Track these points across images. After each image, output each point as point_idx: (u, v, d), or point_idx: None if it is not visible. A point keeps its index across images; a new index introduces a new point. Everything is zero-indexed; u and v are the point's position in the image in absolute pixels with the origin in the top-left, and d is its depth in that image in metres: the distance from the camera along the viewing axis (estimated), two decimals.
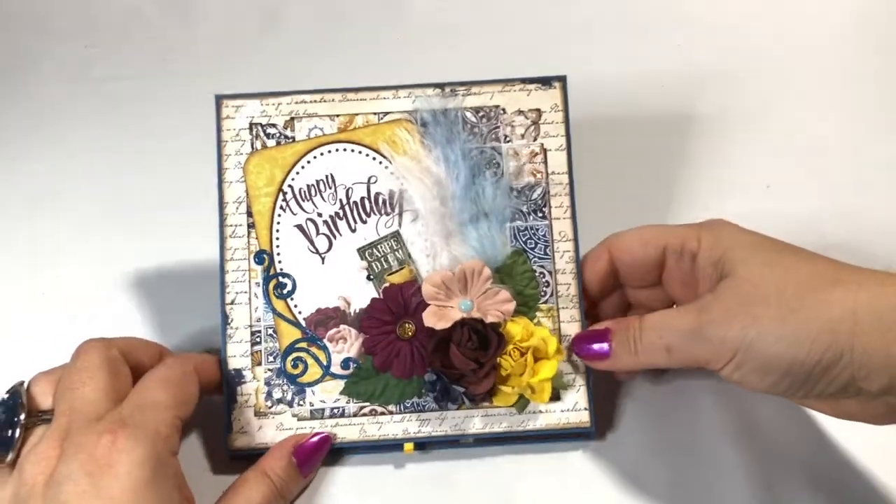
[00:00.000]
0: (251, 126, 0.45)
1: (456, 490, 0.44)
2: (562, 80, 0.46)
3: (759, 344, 0.35)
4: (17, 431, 0.36)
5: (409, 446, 0.43)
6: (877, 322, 0.34)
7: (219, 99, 0.46)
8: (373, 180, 0.45)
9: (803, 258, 0.38)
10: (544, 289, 0.45)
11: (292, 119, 0.46)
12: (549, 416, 0.44)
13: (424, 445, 0.44)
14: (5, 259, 0.52)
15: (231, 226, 0.45)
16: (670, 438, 0.46)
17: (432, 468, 0.45)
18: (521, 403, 0.43)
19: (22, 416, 0.37)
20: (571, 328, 0.44)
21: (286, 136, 0.45)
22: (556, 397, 0.44)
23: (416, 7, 0.62)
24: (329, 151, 0.45)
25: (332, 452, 0.44)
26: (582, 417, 0.44)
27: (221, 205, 0.45)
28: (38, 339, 0.49)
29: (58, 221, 0.53)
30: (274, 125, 0.45)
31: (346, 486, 0.44)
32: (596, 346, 0.41)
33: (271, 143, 0.45)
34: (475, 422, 0.43)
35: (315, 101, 0.46)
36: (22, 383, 0.38)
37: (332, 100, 0.46)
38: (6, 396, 0.38)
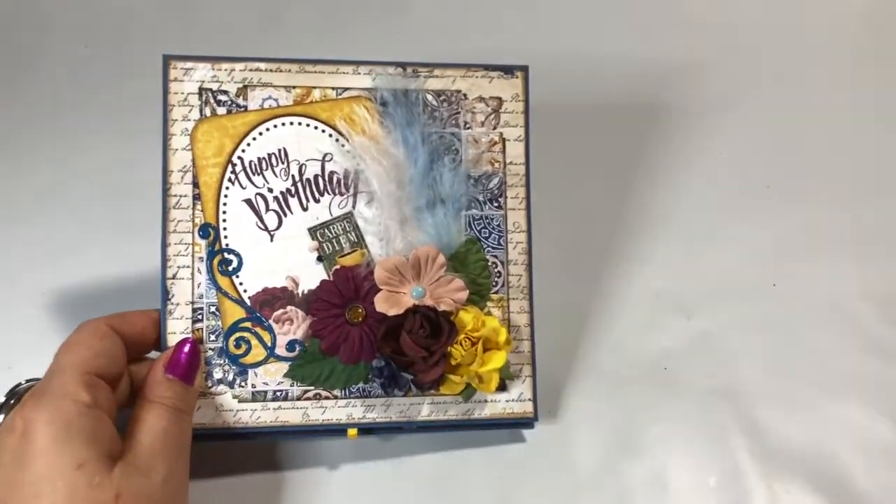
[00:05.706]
0: (201, 91, 0.43)
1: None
2: (524, 69, 0.46)
3: None
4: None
5: (352, 431, 0.43)
6: None
7: (166, 59, 0.43)
8: (328, 158, 0.44)
9: None
10: (496, 279, 0.45)
11: (245, 87, 0.43)
12: (495, 405, 0.44)
13: (370, 431, 0.44)
14: (8, 257, 0.51)
15: (175, 196, 0.42)
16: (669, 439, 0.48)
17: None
18: (468, 392, 0.43)
19: None
20: (521, 319, 0.44)
21: (238, 105, 0.43)
22: (502, 387, 0.44)
23: (419, 6, 0.62)
24: (283, 124, 0.43)
25: (274, 435, 0.43)
26: (526, 408, 0.44)
27: (165, 173, 0.42)
28: (39, 337, 0.48)
29: (60, 220, 0.53)
30: (226, 91, 0.43)
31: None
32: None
33: (222, 110, 0.43)
34: (421, 409, 0.43)
35: (270, 71, 0.43)
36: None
37: (289, 70, 0.44)
38: None
